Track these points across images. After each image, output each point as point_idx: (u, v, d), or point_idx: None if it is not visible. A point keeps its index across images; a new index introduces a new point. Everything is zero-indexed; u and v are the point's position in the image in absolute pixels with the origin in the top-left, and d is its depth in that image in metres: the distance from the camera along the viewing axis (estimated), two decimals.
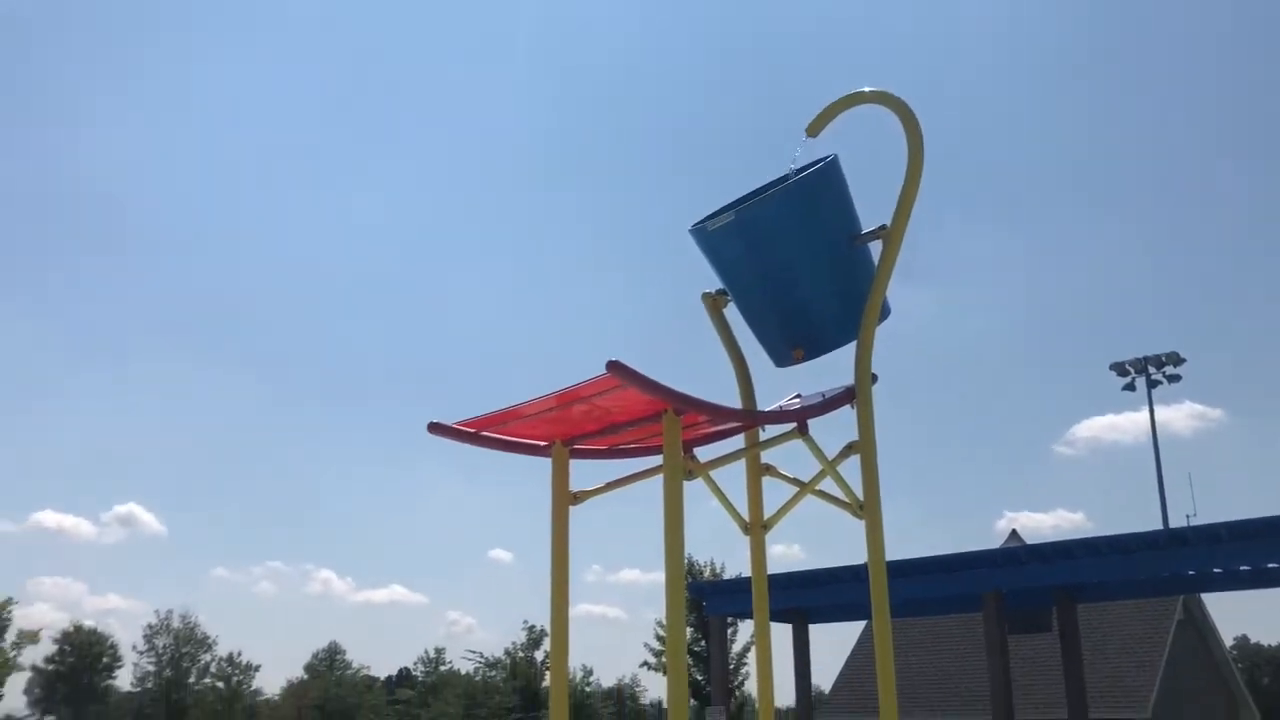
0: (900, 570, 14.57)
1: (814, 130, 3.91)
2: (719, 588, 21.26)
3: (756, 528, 4.02)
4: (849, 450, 3.73)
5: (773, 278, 3.91)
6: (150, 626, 65.81)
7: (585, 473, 3.85)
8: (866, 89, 3.89)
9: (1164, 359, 34.74)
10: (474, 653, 68.27)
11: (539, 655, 64.10)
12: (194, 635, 65.98)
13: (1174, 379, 34.80)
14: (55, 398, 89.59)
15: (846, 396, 3.75)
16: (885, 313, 3.95)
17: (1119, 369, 35.29)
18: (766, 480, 4.10)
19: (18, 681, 61.06)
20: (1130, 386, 35.15)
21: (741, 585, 17.73)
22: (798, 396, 4.10)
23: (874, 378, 3.80)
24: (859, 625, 28.98)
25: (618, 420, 3.40)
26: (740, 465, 4.06)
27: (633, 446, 3.79)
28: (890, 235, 3.73)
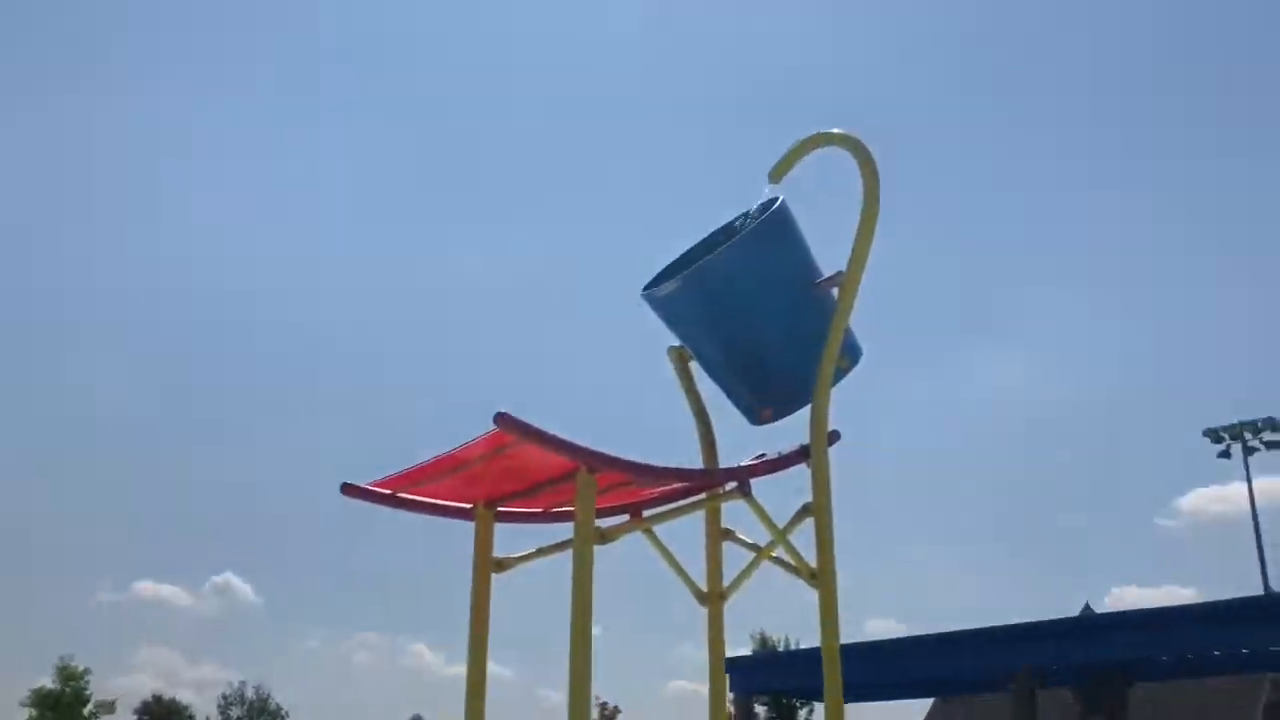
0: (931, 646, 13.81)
1: (777, 176, 3.68)
2: (742, 664, 19.81)
3: (715, 598, 3.71)
4: (804, 514, 3.44)
5: (731, 337, 3.68)
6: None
7: (527, 537, 3.61)
8: (835, 130, 3.64)
9: (1260, 425, 33.36)
10: None
11: None
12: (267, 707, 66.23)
13: (1275, 445, 33.33)
14: None
15: (799, 456, 3.47)
16: (854, 358, 3.68)
17: (1213, 435, 33.96)
18: (729, 546, 3.82)
19: None
20: (1225, 454, 33.83)
21: (764, 661, 17.06)
22: (762, 455, 3.82)
23: (834, 435, 3.51)
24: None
25: (540, 479, 3.16)
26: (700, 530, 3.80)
27: (570, 510, 3.54)
28: (845, 283, 3.46)
